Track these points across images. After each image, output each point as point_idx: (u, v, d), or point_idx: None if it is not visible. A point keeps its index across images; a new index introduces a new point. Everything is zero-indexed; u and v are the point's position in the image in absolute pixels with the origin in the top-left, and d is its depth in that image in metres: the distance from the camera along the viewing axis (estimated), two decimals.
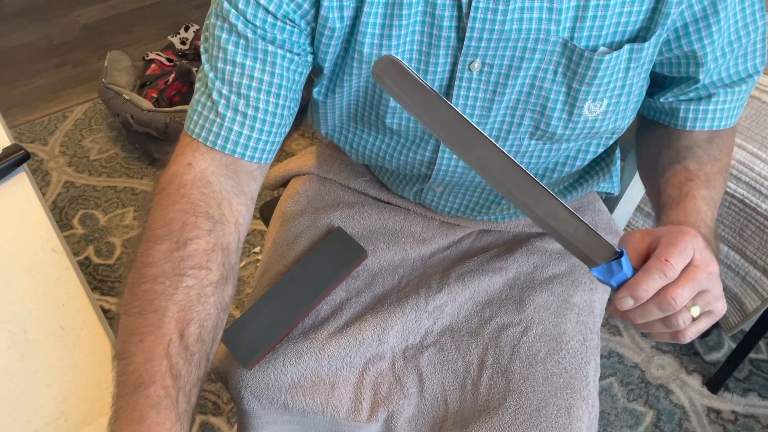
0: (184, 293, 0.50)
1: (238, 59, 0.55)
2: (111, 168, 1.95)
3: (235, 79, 0.56)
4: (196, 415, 0.50)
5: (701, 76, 0.59)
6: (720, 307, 0.48)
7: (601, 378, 1.32)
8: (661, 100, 0.63)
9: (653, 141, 0.67)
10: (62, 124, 2.14)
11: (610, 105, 0.60)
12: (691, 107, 0.62)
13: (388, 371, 0.69)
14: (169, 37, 2.19)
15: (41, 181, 1.90)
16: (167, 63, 2.09)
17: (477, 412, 0.64)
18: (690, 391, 1.29)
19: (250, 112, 0.56)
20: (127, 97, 1.83)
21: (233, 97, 0.56)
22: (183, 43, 2.17)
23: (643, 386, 1.30)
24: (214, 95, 0.56)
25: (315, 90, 0.65)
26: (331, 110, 0.69)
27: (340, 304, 0.74)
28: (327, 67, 0.61)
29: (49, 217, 0.74)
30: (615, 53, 0.55)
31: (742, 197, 1.05)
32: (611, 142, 0.69)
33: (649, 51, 0.57)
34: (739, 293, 1.12)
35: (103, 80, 1.93)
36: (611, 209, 0.88)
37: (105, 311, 1.51)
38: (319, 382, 0.68)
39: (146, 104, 1.82)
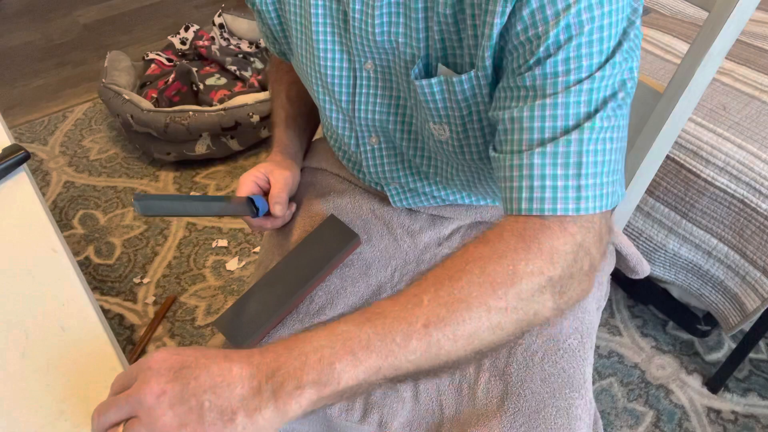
0: (285, 91, 0.88)
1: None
2: (111, 168, 1.95)
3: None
4: (305, 139, 0.89)
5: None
6: None
7: (601, 378, 1.32)
8: None
9: None
10: (62, 124, 2.15)
11: (452, 132, 0.62)
12: None
13: None
14: (169, 37, 2.19)
15: (41, 181, 1.91)
16: (167, 63, 2.09)
17: (475, 416, 0.64)
18: (690, 391, 1.29)
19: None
20: (127, 97, 1.83)
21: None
22: (183, 43, 2.17)
23: (643, 386, 1.30)
24: None
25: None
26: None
27: (336, 291, 0.74)
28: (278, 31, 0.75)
29: (49, 217, 0.74)
30: (426, 82, 0.58)
31: (742, 197, 1.05)
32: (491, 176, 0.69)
33: (464, 87, 0.57)
34: (739, 293, 1.12)
35: (103, 80, 1.93)
36: None
37: (105, 311, 1.51)
38: None
39: (146, 104, 1.82)
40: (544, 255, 0.47)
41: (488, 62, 0.53)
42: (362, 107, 0.69)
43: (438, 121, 0.62)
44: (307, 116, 0.88)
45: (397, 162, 0.75)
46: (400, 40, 0.59)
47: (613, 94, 0.50)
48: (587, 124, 0.48)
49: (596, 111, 0.49)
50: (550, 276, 0.47)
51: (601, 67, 0.48)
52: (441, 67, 0.58)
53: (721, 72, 1.21)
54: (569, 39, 0.47)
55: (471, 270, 0.46)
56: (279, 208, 0.76)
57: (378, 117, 0.69)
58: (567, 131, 0.48)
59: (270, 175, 0.78)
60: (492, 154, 0.54)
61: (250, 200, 0.75)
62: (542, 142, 0.49)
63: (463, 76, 0.56)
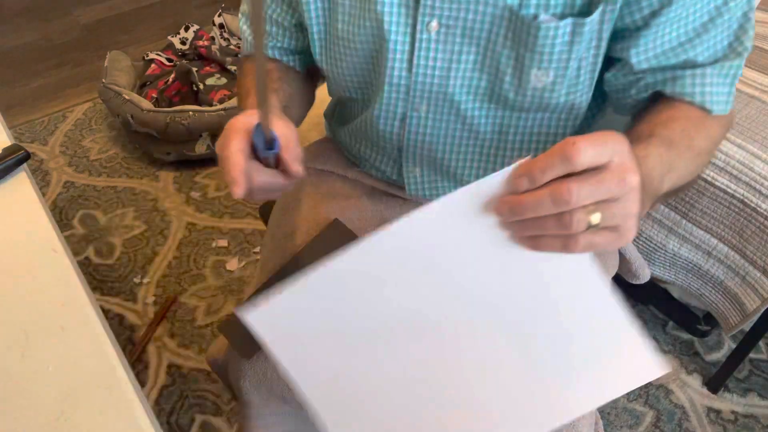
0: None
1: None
2: (111, 168, 1.95)
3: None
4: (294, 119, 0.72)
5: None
6: (628, 227, 0.41)
7: None
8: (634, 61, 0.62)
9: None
10: (62, 124, 2.15)
11: (558, 77, 0.62)
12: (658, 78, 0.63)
13: None
14: (169, 37, 2.19)
15: (41, 181, 1.91)
16: (167, 63, 2.09)
17: None
18: (690, 391, 1.29)
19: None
20: (127, 97, 1.83)
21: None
22: (183, 43, 2.17)
23: (643, 386, 1.30)
24: None
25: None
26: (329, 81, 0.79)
27: None
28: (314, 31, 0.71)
29: (49, 217, 0.74)
30: (554, 24, 0.57)
31: (742, 197, 1.05)
32: (573, 122, 0.68)
33: (593, 27, 0.58)
34: (739, 293, 1.12)
35: (103, 80, 1.93)
36: None
37: (105, 311, 1.51)
38: None
39: (146, 104, 1.82)
40: (720, 135, 0.64)
41: None
42: (421, 69, 0.66)
43: (546, 66, 0.61)
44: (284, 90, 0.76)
45: (441, 128, 0.71)
46: None
47: (749, 8, 0.58)
48: (740, 47, 0.60)
49: (740, 27, 0.59)
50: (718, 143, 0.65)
51: None
52: (543, 15, 0.58)
53: None
54: None
55: (697, 136, 0.59)
56: (299, 166, 0.58)
57: (439, 74, 0.66)
58: (725, 52, 0.61)
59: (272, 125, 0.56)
60: (641, 65, 0.61)
61: (258, 128, 0.53)
62: (704, 63, 0.61)
63: (594, 16, 0.57)
